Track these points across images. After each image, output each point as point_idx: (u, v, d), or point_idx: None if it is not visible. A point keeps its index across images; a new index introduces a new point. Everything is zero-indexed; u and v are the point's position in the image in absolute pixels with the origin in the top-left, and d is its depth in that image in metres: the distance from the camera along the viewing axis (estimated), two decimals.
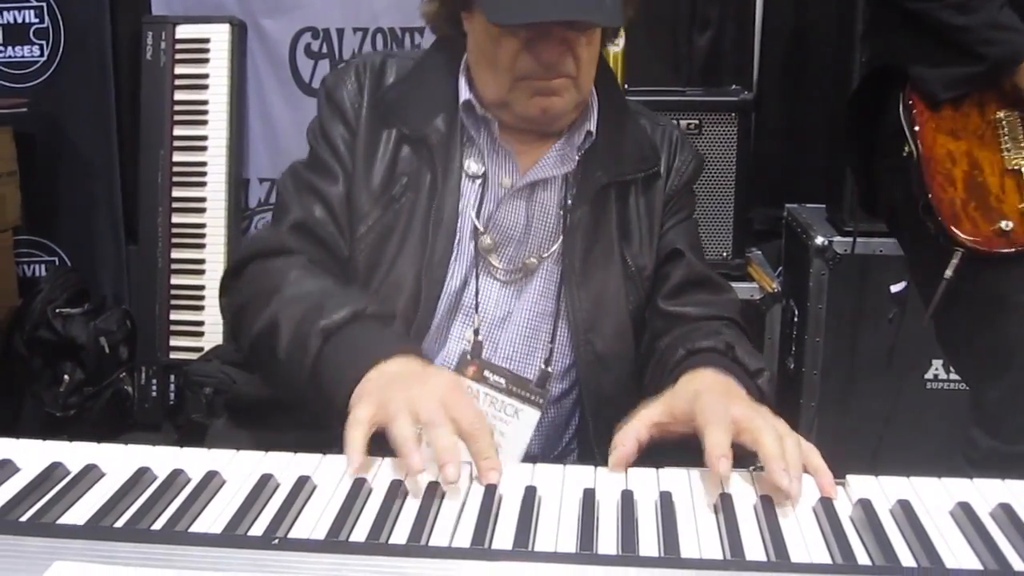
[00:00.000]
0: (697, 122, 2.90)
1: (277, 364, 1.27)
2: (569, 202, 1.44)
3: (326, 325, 1.23)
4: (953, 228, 1.84)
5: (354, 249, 1.41)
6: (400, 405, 1.07)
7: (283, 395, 1.35)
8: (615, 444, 1.13)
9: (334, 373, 1.19)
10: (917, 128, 1.90)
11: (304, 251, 1.38)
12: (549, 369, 1.44)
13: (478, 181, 1.43)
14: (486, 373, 1.40)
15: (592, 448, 1.42)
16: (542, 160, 1.44)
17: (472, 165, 1.43)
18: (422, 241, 1.40)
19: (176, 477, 1.03)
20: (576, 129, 1.44)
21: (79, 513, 0.97)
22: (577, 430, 1.48)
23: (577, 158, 1.44)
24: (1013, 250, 1.83)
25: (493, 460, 1.05)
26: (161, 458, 1.08)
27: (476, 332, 1.43)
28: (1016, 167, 1.83)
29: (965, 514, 0.97)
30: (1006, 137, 1.85)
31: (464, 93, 1.42)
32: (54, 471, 1.03)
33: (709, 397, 1.14)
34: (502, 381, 1.40)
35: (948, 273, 1.87)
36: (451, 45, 1.46)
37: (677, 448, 1.16)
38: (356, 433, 1.06)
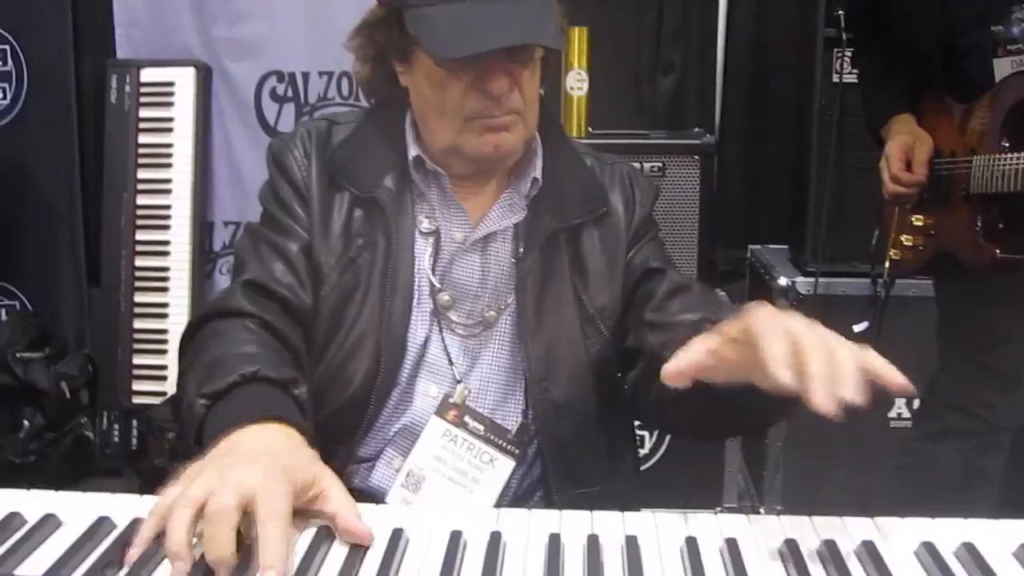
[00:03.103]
0: (661, 164, 2.93)
1: (182, 433, 1.22)
2: (521, 251, 1.44)
3: (209, 391, 1.17)
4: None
5: (316, 311, 1.40)
6: (205, 475, 0.98)
7: None
8: (674, 358, 1.08)
9: (208, 444, 1.09)
10: None
11: (257, 311, 1.35)
12: (528, 421, 1.43)
13: (431, 238, 1.43)
14: (466, 419, 1.40)
15: (552, 494, 1.42)
16: (491, 212, 1.44)
17: (424, 222, 1.43)
18: (380, 301, 1.39)
19: (137, 526, 1.01)
20: (522, 177, 1.44)
21: (36, 564, 0.95)
22: (540, 476, 1.47)
23: (526, 206, 1.44)
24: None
25: (275, 564, 0.91)
26: (121, 506, 1.06)
27: (458, 382, 1.42)
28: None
29: (929, 554, 0.98)
30: None
31: (413, 149, 1.43)
32: (12, 521, 1.02)
33: (761, 313, 1.06)
34: (480, 428, 1.40)
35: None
36: (390, 103, 1.47)
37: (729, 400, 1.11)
38: (148, 522, 0.97)
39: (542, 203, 1.44)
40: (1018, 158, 1.90)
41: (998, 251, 2.01)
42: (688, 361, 1.07)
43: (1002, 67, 1.98)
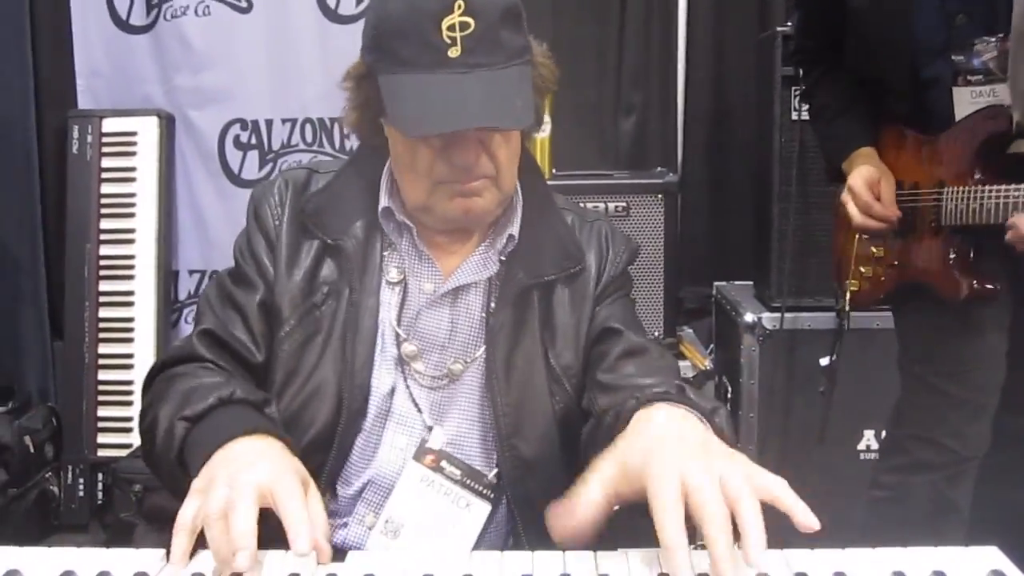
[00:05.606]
0: (624, 204, 2.95)
1: (158, 461, 1.28)
2: (492, 305, 1.44)
3: (189, 413, 1.24)
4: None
5: (274, 353, 1.41)
6: (218, 484, 1.06)
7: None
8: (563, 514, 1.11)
9: (194, 459, 1.17)
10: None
11: (214, 358, 1.40)
12: (500, 471, 1.42)
13: (398, 287, 1.43)
14: (443, 463, 1.39)
15: (523, 544, 1.40)
16: (464, 265, 1.44)
17: (392, 271, 1.43)
18: (343, 348, 1.39)
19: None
20: (499, 233, 1.45)
21: None
22: (510, 531, 1.45)
23: (500, 261, 1.44)
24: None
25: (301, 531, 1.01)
26: (87, 561, 1.04)
27: (430, 429, 1.41)
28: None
29: None
30: None
31: (383, 200, 1.43)
32: None
33: (661, 453, 1.04)
34: (457, 473, 1.39)
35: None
36: (371, 152, 1.47)
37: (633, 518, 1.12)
38: (178, 540, 1.04)
39: (516, 258, 1.44)
40: (994, 190, 1.92)
41: (975, 282, 2.02)
42: (575, 529, 1.11)
43: (961, 96, 2.00)
